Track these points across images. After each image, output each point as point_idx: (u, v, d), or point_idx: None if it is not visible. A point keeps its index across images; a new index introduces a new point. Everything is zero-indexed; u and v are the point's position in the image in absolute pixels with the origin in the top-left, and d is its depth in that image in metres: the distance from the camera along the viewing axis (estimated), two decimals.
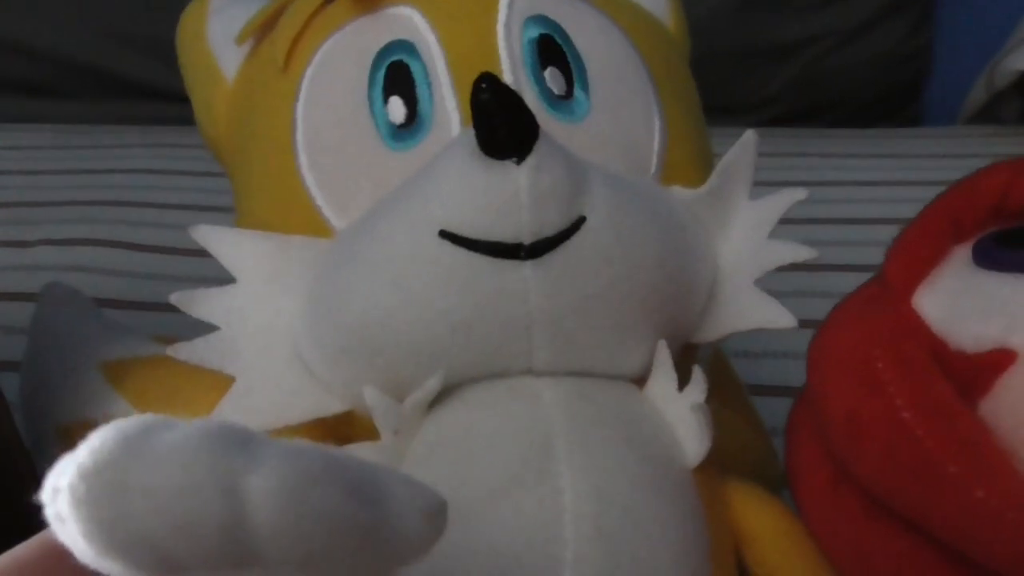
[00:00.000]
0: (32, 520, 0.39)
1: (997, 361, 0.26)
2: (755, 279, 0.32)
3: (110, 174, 0.84)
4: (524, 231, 0.28)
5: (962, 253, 0.29)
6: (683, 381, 0.31)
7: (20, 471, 0.40)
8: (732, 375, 0.45)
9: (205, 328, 0.31)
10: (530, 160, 0.28)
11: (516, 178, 0.28)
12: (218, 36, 0.39)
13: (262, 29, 0.37)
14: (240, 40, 0.37)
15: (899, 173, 0.82)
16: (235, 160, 0.37)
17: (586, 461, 0.28)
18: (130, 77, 1.03)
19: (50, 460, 0.44)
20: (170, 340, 0.43)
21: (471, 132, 0.28)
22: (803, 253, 0.31)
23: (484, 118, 0.27)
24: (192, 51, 0.40)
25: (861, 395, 0.27)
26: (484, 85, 0.27)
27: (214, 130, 0.38)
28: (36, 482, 0.42)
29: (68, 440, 0.41)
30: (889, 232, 0.31)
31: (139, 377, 0.41)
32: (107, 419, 0.19)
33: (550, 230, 0.28)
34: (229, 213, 0.37)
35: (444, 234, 0.28)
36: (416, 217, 0.29)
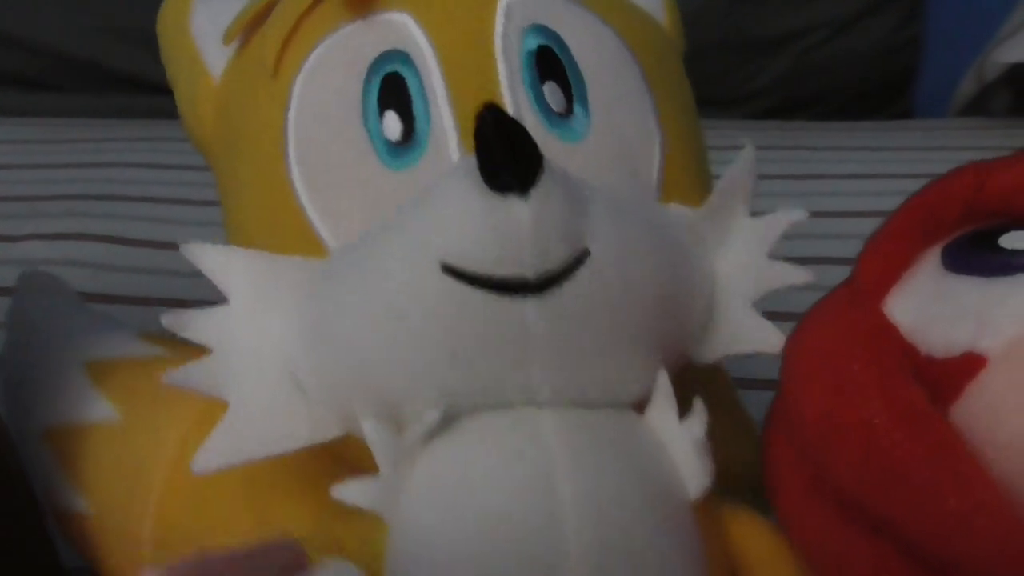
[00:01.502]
0: (21, 517, 0.39)
1: (967, 366, 0.26)
2: (753, 302, 0.31)
3: (100, 168, 0.84)
4: (528, 267, 0.27)
5: (933, 256, 0.29)
6: (680, 398, 0.30)
7: (8, 467, 0.40)
8: (720, 371, 0.44)
9: None
10: (534, 194, 0.27)
11: (520, 213, 0.27)
12: (203, 29, 0.38)
13: (250, 26, 0.36)
14: (227, 40, 0.37)
15: (889, 166, 0.82)
16: (222, 162, 0.37)
17: (588, 500, 0.28)
18: (122, 70, 1.02)
19: (36, 461, 0.43)
20: (157, 337, 0.43)
21: (473, 162, 0.27)
22: (801, 276, 0.31)
23: (488, 151, 0.27)
24: (175, 43, 0.39)
25: (833, 400, 0.27)
26: (488, 116, 0.26)
27: (199, 128, 0.38)
28: (23, 478, 0.41)
29: (56, 445, 0.41)
30: (879, 225, 0.31)
31: (125, 380, 0.41)
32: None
33: (554, 265, 0.28)
34: (219, 207, 0.37)
35: (446, 268, 0.28)
36: (417, 249, 0.28)
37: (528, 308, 0.28)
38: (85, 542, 0.40)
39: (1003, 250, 0.27)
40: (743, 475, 0.32)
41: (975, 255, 0.28)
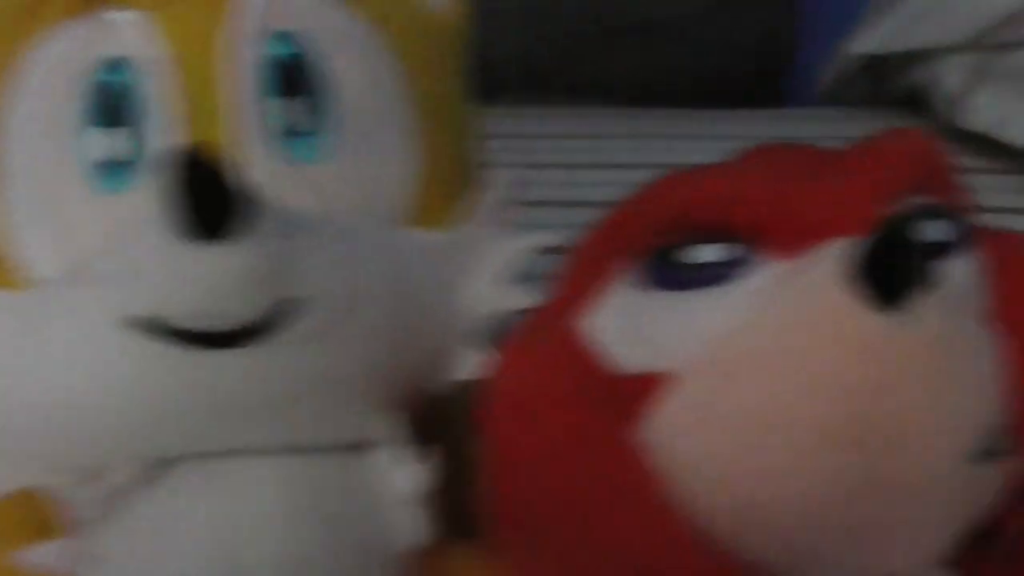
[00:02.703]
0: None
1: (647, 385, 0.26)
2: (480, 326, 0.31)
3: None
4: (229, 319, 0.26)
5: (627, 272, 0.29)
6: (420, 434, 0.30)
7: None
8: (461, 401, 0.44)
9: None
10: (235, 241, 0.25)
11: (218, 262, 0.25)
12: None
13: None
14: None
15: None
16: None
17: (291, 559, 0.27)
18: None
19: None
20: None
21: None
22: (529, 300, 0.31)
23: (178, 198, 0.25)
24: None
25: (516, 429, 0.27)
26: (176, 159, 0.24)
27: None
28: None
29: None
30: (575, 243, 0.31)
31: None
32: None
33: (255, 316, 0.26)
34: None
35: (139, 322, 0.26)
36: (108, 303, 0.26)
37: (230, 361, 0.26)
38: None
39: (685, 265, 0.27)
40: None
41: (661, 271, 0.28)
